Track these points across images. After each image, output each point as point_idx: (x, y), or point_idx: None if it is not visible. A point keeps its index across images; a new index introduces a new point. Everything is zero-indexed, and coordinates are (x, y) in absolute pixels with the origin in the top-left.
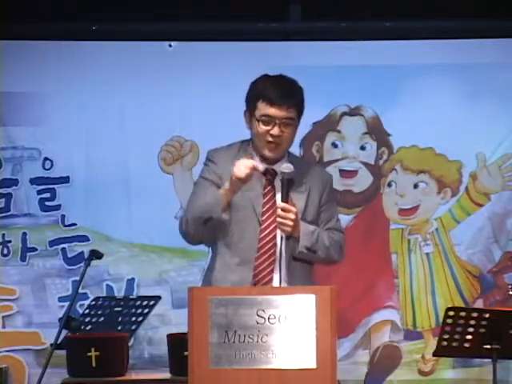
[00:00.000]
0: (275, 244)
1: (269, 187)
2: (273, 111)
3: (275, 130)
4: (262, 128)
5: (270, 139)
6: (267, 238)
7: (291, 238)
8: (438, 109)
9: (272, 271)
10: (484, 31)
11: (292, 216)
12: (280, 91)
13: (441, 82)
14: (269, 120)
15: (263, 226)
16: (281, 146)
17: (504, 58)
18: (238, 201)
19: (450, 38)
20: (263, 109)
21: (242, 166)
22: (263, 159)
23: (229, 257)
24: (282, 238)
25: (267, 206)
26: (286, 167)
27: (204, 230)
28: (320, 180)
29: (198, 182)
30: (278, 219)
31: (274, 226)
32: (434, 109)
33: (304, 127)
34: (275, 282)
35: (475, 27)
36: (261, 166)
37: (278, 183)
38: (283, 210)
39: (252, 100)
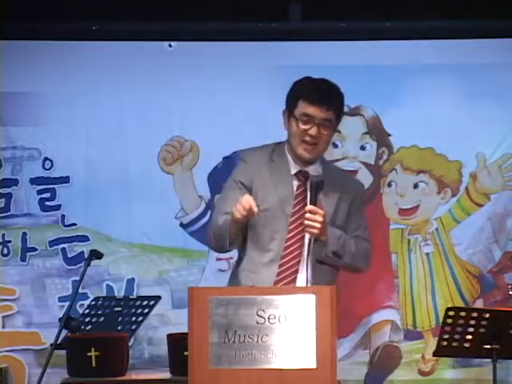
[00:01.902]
0: (302, 245)
1: (301, 189)
2: (312, 110)
3: (313, 130)
4: (301, 127)
5: (307, 138)
6: (295, 239)
7: (319, 241)
8: (438, 109)
9: (296, 271)
10: (484, 31)
11: (319, 218)
12: (322, 92)
13: (441, 82)
14: (308, 119)
15: (292, 227)
16: (317, 147)
17: (503, 58)
18: (268, 201)
19: (450, 38)
20: (303, 108)
21: (240, 207)
22: (298, 160)
23: (258, 257)
24: (310, 240)
25: (297, 207)
26: (313, 170)
27: (225, 241)
28: (352, 187)
29: (228, 184)
30: (306, 221)
31: (302, 227)
32: (433, 109)
33: None
34: (299, 282)
35: (475, 27)
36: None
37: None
38: (311, 212)
39: (293, 99)
